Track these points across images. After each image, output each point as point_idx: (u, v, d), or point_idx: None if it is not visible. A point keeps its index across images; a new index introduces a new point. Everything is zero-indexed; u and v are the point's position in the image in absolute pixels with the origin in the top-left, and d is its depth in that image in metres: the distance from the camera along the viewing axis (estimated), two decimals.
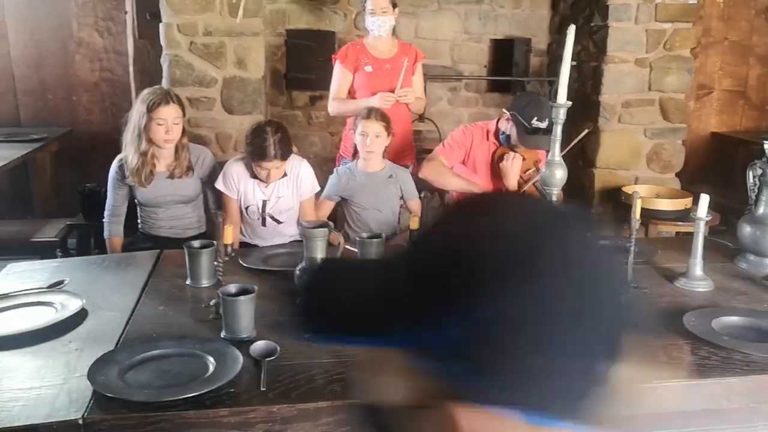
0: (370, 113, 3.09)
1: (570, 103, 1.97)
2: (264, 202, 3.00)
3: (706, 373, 1.59)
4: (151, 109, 2.85)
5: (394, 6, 3.61)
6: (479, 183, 3.29)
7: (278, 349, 1.64)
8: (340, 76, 3.69)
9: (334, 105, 3.71)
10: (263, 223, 3.05)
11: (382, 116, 3.09)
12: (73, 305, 1.90)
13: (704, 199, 2.06)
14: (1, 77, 4.99)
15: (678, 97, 4.43)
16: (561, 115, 1.98)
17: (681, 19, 4.29)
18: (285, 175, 2.95)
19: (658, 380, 1.54)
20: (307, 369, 1.58)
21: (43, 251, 3.90)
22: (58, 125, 5.05)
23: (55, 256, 3.90)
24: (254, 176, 2.94)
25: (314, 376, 1.55)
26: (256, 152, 2.81)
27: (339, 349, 1.68)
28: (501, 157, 3.26)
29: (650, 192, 4.20)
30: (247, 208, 3.02)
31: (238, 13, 3.80)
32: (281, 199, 3.01)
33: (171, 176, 2.97)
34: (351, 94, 3.70)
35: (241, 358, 1.58)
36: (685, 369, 1.60)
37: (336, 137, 4.86)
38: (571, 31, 1.92)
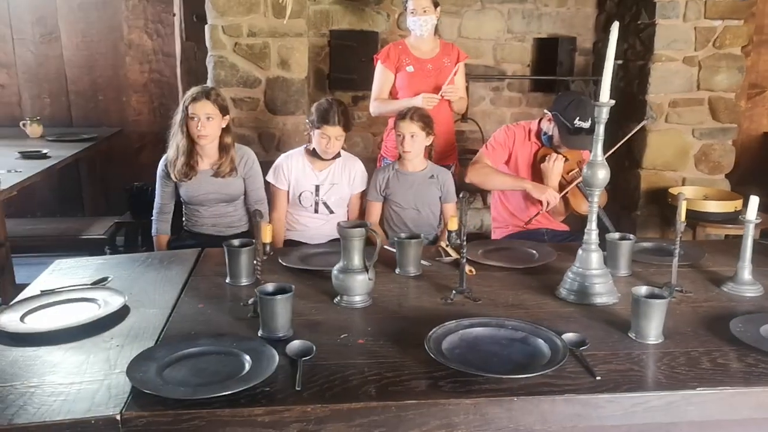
0: (406, 113, 3.09)
1: (613, 101, 1.92)
2: (317, 187, 3.12)
3: (753, 381, 1.53)
4: (186, 105, 2.97)
5: (436, 5, 3.59)
6: (528, 178, 3.25)
7: (314, 348, 1.65)
8: (381, 77, 3.69)
9: (375, 105, 3.71)
10: (316, 210, 3.12)
11: (420, 117, 3.07)
12: (115, 302, 1.94)
13: (754, 200, 1.99)
14: (54, 78, 5.13)
15: (728, 96, 4.31)
16: (604, 114, 1.93)
17: (732, 16, 4.17)
18: (339, 155, 3.15)
19: (702, 388, 1.50)
20: (342, 369, 1.58)
21: (92, 248, 4.02)
22: (108, 125, 5.17)
23: (103, 253, 4.01)
24: (312, 154, 3.11)
25: (349, 376, 1.55)
26: (322, 117, 3.03)
27: (375, 350, 1.69)
28: (543, 158, 3.22)
29: (698, 194, 4.10)
30: (300, 195, 3.10)
31: (286, 14, 3.82)
32: (335, 186, 3.15)
33: (215, 175, 3.03)
34: (393, 95, 3.70)
35: (277, 357, 1.58)
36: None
37: (378, 137, 4.86)
38: (615, 27, 1.87)
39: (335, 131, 3.01)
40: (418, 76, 3.63)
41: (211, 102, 2.96)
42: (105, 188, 5.14)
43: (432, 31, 3.65)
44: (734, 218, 3.86)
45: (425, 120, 3.08)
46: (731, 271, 2.15)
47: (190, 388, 1.48)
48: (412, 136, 3.05)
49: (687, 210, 2.04)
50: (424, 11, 3.55)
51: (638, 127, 3.51)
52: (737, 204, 3.88)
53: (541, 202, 3.15)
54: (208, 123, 2.95)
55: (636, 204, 4.48)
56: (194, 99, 2.96)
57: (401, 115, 3.11)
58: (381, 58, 3.69)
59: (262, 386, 1.49)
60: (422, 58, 3.66)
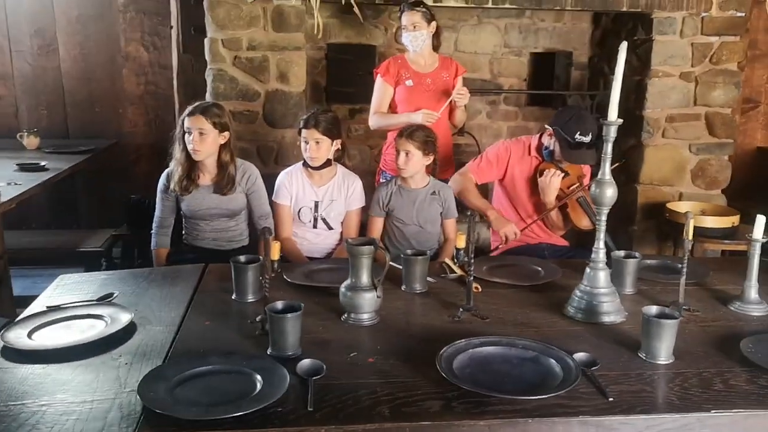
0: (404, 131, 3.11)
1: (621, 120, 1.93)
2: (316, 204, 3.14)
3: (767, 403, 1.53)
4: (182, 119, 2.99)
5: (429, 21, 3.60)
6: (495, 210, 3.28)
7: (324, 367, 1.64)
8: (381, 90, 3.70)
9: (375, 119, 3.72)
10: (315, 225, 3.14)
11: (419, 136, 3.08)
12: (122, 319, 1.93)
13: (761, 220, 2.00)
14: (52, 90, 5.11)
15: (725, 111, 4.34)
16: (612, 132, 1.94)
17: (728, 32, 4.21)
18: (330, 163, 3.14)
19: (716, 410, 1.50)
20: (354, 389, 1.57)
21: (89, 261, 4.00)
22: (104, 137, 5.15)
23: (100, 266, 3.98)
24: (308, 167, 3.11)
25: (361, 396, 1.54)
26: (301, 122, 3.11)
27: (385, 369, 1.68)
28: (543, 173, 3.24)
29: (695, 209, 4.11)
30: (299, 211, 3.10)
31: (319, 31, 3.78)
32: (333, 202, 3.15)
33: (216, 191, 3.03)
34: (392, 108, 3.71)
35: (288, 377, 1.58)
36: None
37: (375, 150, 4.87)
38: (623, 48, 1.88)
39: (312, 134, 3.03)
40: (417, 91, 3.64)
41: (205, 118, 2.94)
42: (100, 200, 5.11)
43: (428, 46, 3.67)
44: (732, 233, 3.87)
45: (423, 139, 3.07)
46: (737, 289, 2.17)
47: (202, 408, 1.47)
48: (407, 154, 3.06)
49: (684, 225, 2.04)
50: (414, 27, 3.57)
51: (616, 165, 3.49)
52: (734, 219, 3.90)
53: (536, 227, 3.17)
54: (201, 138, 2.94)
55: (633, 219, 4.50)
56: (189, 114, 2.97)
57: (400, 132, 3.13)
58: (381, 72, 3.70)
59: (275, 406, 1.48)
60: (421, 73, 3.68)
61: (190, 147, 2.95)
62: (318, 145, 3.04)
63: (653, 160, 4.40)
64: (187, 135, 2.97)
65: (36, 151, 4.62)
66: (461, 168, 3.45)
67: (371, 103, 3.75)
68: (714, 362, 1.73)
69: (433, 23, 3.63)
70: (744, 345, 1.75)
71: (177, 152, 3.02)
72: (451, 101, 3.56)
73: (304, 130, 3.06)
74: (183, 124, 2.98)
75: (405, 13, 3.58)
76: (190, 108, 3.00)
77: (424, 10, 3.58)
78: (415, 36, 3.58)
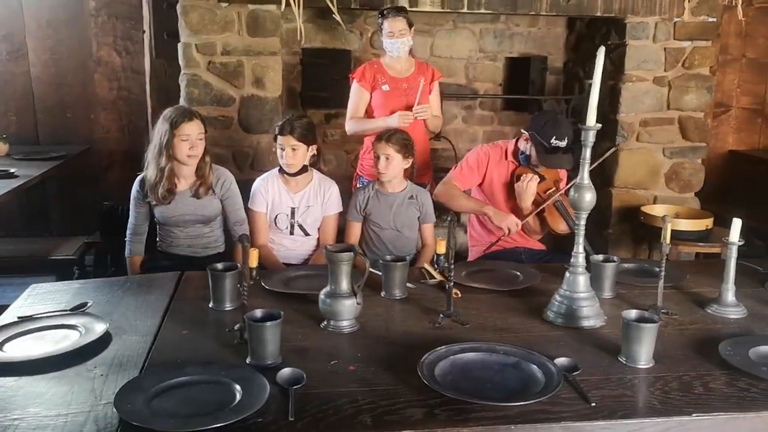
0: (382, 135, 3.10)
1: (599, 125, 1.94)
2: (293, 210, 3.10)
3: (746, 406, 1.54)
4: (174, 125, 2.90)
5: (411, 26, 3.61)
6: (492, 206, 3.28)
7: (304, 376, 1.62)
8: (357, 96, 3.69)
9: (351, 124, 3.71)
10: (291, 232, 3.12)
11: (398, 140, 3.08)
12: (97, 329, 1.89)
13: (736, 223, 2.02)
14: (21, 96, 5.03)
15: (697, 115, 4.40)
16: (590, 137, 1.95)
17: (700, 37, 4.27)
18: (307, 169, 3.11)
19: (697, 414, 1.51)
20: (335, 398, 1.55)
21: (61, 269, 3.92)
22: (75, 143, 5.07)
23: (72, 274, 3.91)
24: (284, 173, 3.08)
25: (342, 405, 1.52)
26: (276, 129, 3.07)
27: (366, 377, 1.66)
28: (519, 177, 3.25)
29: (669, 212, 4.16)
30: (276, 218, 3.08)
31: (301, 37, 3.76)
32: (310, 208, 3.13)
33: (194, 195, 2.99)
34: (368, 113, 3.71)
35: (268, 386, 1.55)
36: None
37: (351, 155, 4.86)
38: (601, 53, 1.90)
39: (287, 141, 3.01)
40: (393, 95, 3.64)
41: (200, 121, 2.95)
42: (72, 207, 5.03)
43: (407, 51, 3.67)
44: (705, 236, 3.91)
45: (402, 143, 3.07)
46: (713, 292, 2.18)
47: (180, 420, 1.44)
48: (387, 158, 3.05)
49: (659, 228, 2.06)
50: (401, 33, 3.57)
51: (609, 153, 3.54)
52: (708, 222, 3.94)
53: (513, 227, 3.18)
54: (200, 143, 2.94)
55: (608, 222, 4.53)
56: (184, 120, 2.90)
57: (378, 137, 3.12)
58: (357, 78, 3.69)
59: (255, 417, 1.46)
60: (398, 78, 3.68)
61: (188, 153, 2.91)
62: (294, 152, 3.02)
63: (628, 164, 4.44)
64: (181, 142, 2.90)
65: (5, 157, 4.54)
66: (443, 177, 3.44)
67: (347, 108, 3.74)
68: (693, 365, 1.74)
69: (413, 28, 3.65)
70: (722, 348, 1.76)
71: (163, 162, 2.91)
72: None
73: (279, 137, 3.04)
74: (174, 131, 2.89)
75: (389, 19, 3.57)
76: (179, 115, 2.92)
77: (408, 16, 3.59)
78: (402, 42, 3.59)
